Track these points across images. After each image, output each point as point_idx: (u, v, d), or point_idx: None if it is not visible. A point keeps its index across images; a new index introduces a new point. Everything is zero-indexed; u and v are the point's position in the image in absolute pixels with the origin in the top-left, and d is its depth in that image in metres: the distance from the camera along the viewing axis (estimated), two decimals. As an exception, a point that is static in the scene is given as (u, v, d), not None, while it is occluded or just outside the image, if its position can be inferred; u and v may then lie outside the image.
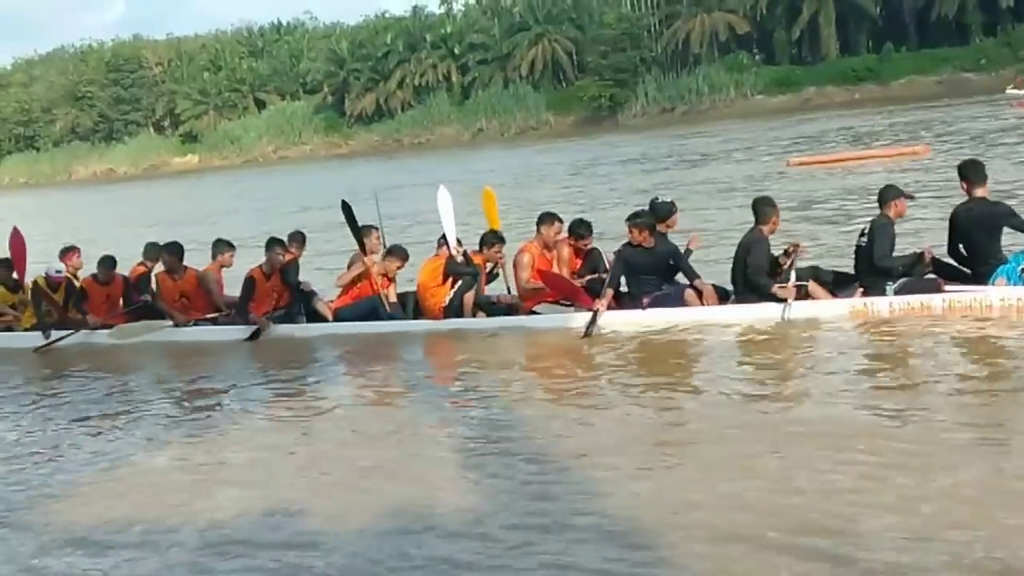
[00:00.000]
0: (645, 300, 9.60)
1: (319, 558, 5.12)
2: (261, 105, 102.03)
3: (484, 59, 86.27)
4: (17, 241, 12.88)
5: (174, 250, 11.64)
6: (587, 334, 9.31)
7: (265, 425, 7.81)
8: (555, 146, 55.48)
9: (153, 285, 11.91)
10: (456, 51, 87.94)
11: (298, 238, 11.92)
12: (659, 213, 10.02)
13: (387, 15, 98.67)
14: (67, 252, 12.79)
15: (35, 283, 12.09)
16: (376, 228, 11.44)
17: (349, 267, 11.06)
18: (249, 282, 11.11)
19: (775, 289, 9.11)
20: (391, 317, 10.70)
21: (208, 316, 11.54)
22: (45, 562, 5.49)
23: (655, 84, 74.90)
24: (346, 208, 11.00)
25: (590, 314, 9.53)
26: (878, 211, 9.08)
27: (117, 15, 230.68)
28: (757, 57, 75.22)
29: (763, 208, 9.44)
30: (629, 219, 9.79)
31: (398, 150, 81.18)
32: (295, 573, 5.02)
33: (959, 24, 67.14)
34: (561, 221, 10.46)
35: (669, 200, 10.48)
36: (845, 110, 54.39)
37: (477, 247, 10.80)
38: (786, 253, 9.25)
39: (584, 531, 5.06)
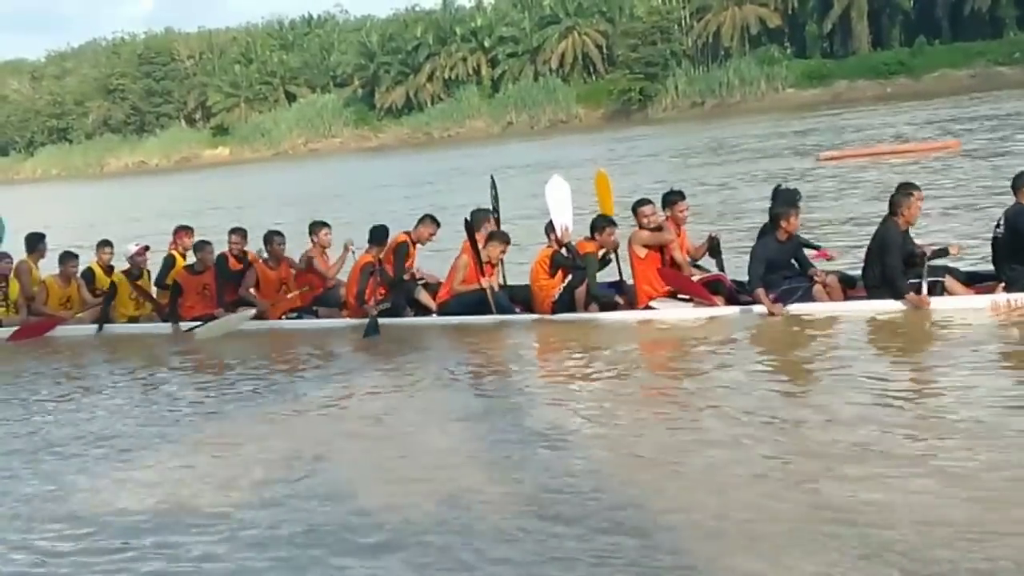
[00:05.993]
0: (772, 296, 9.26)
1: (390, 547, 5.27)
2: (291, 98, 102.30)
3: (514, 52, 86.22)
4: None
5: (274, 239, 11.64)
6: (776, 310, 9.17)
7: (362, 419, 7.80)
8: (587, 139, 55.42)
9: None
10: (486, 44, 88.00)
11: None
12: (789, 200, 9.61)
13: (417, 8, 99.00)
14: (180, 231, 12.86)
15: (111, 283, 12.21)
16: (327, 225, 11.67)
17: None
18: (367, 268, 10.88)
19: (908, 296, 8.82)
20: (500, 309, 10.45)
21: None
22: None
23: (685, 77, 74.56)
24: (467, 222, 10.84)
25: (711, 310, 9.58)
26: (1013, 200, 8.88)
27: (149, 8, 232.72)
28: (788, 51, 74.70)
29: (894, 198, 9.15)
30: (784, 204, 9.43)
31: (428, 143, 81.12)
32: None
33: (993, 17, 66.56)
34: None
35: (793, 188, 10.02)
36: (877, 104, 54.02)
37: (588, 233, 10.40)
38: (935, 253, 9.00)
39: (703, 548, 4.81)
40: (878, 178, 20.68)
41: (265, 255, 11.77)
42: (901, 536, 4.67)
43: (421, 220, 11.40)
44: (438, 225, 11.45)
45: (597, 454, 6.29)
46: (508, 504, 5.61)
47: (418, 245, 11.42)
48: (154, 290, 12.40)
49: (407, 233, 11.24)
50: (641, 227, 10.00)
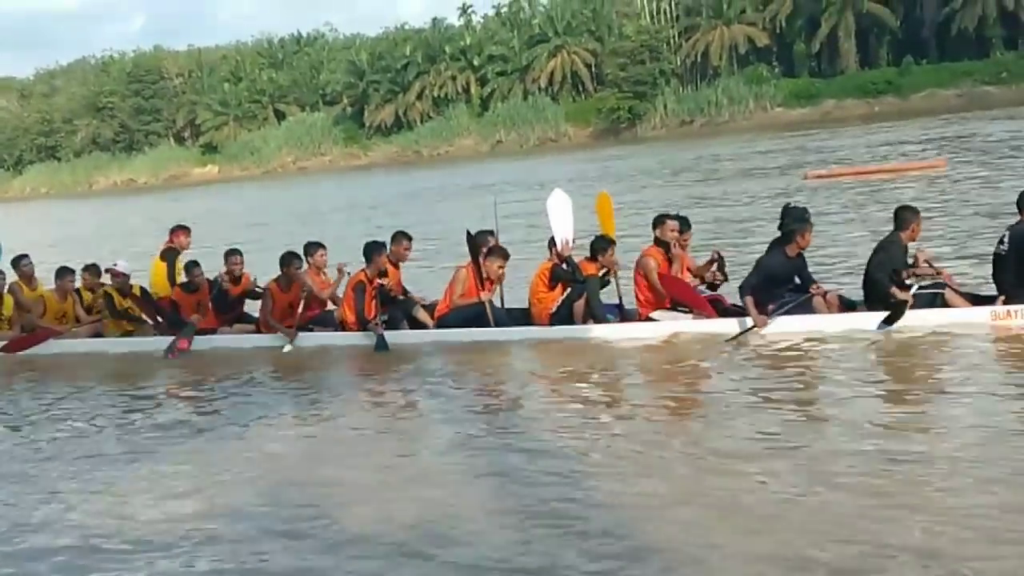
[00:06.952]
0: (771, 307, 9.26)
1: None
2: (281, 116, 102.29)
3: (503, 71, 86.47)
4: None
5: (289, 261, 11.33)
6: (734, 339, 9.15)
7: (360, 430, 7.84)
8: (575, 157, 55.50)
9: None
10: (475, 63, 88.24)
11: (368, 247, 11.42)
12: (800, 217, 9.50)
13: (406, 27, 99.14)
14: (177, 230, 12.74)
15: (106, 294, 12.07)
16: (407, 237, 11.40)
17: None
18: (360, 287, 10.75)
19: (893, 290, 8.86)
20: (498, 323, 10.43)
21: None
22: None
23: (674, 96, 75.02)
24: (469, 237, 10.85)
25: (710, 323, 9.56)
26: (1016, 218, 8.87)
27: (138, 27, 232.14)
28: (776, 69, 75.10)
29: (903, 214, 9.20)
30: (798, 220, 9.36)
31: (417, 161, 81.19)
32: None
33: (979, 37, 67.03)
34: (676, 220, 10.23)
35: (802, 206, 9.98)
36: (864, 123, 54.34)
37: (588, 254, 10.49)
38: (915, 264, 9.08)
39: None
40: (865, 197, 20.72)
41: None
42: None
43: (394, 238, 11.35)
44: (410, 239, 11.43)
45: (589, 470, 6.24)
46: (499, 518, 5.60)
47: (400, 264, 11.40)
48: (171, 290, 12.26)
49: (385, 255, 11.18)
50: (661, 239, 10.07)
